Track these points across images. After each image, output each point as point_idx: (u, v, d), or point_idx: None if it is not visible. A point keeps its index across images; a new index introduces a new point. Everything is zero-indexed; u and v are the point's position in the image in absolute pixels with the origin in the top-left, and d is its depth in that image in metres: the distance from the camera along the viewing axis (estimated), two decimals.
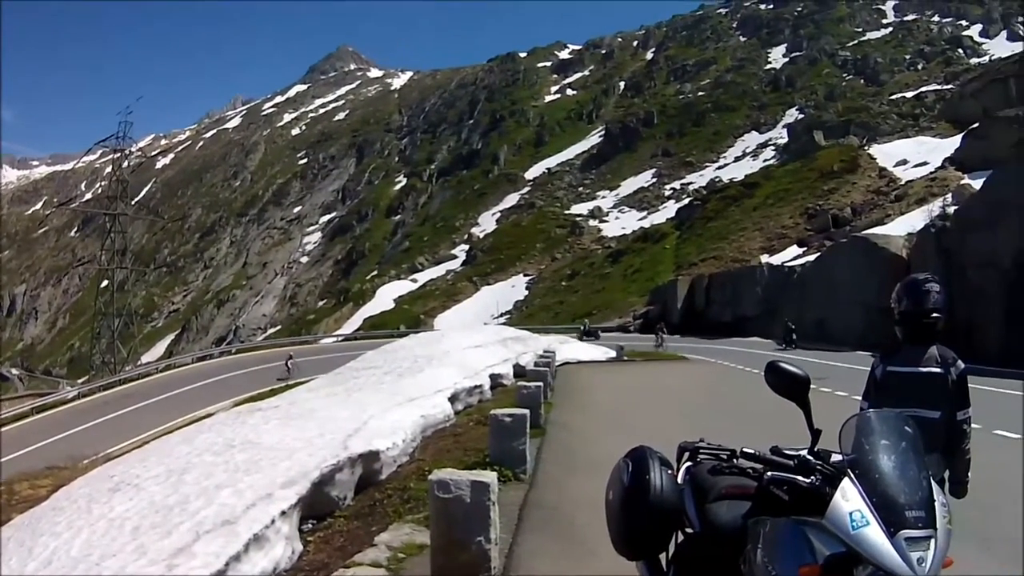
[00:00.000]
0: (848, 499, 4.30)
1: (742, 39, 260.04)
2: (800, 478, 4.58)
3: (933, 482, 4.48)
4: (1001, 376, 32.16)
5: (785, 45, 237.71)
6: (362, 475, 12.91)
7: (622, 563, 5.92)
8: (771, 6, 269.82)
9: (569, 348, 50.86)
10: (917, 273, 7.35)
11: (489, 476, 8.32)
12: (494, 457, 13.80)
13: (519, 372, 31.78)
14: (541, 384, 20.80)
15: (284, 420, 14.91)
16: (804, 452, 4.76)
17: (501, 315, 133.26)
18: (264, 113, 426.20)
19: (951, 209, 59.55)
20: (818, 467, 4.57)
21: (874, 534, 4.13)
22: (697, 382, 37.28)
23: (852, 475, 4.41)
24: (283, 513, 9.37)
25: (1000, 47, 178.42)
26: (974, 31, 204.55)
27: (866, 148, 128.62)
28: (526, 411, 14.30)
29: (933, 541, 4.17)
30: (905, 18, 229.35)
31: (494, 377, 28.27)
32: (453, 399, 21.69)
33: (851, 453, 4.60)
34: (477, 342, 34.75)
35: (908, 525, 4.16)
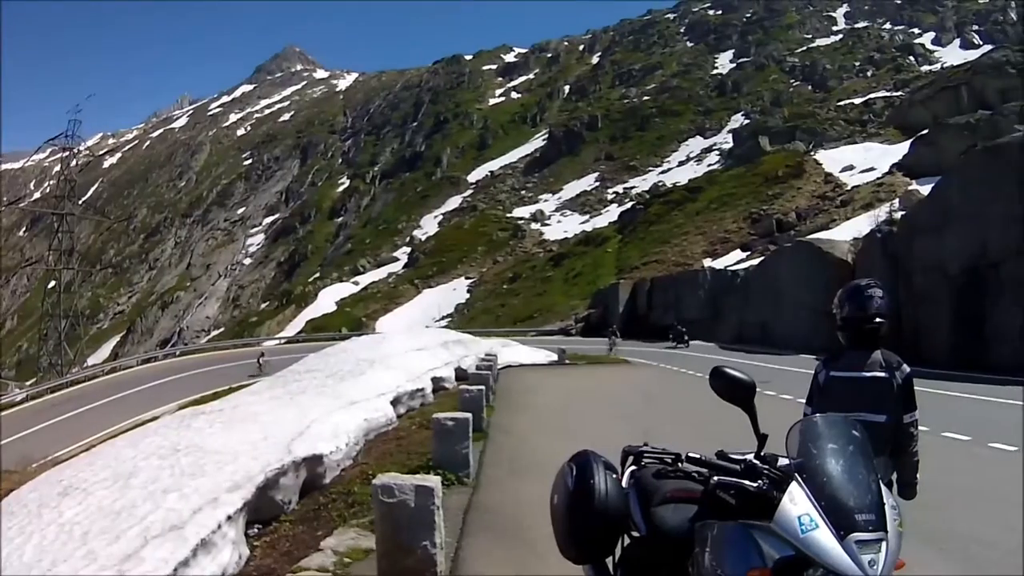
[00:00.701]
0: (796, 503, 4.34)
1: (689, 44, 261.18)
2: (747, 482, 4.62)
3: (882, 485, 4.56)
4: (950, 379, 32.41)
5: (733, 51, 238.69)
6: (306, 479, 12.83)
7: (568, 567, 5.95)
8: (720, 12, 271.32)
9: (511, 351, 50.24)
10: (860, 279, 7.42)
11: (433, 480, 8.46)
12: (437, 461, 13.93)
13: (461, 375, 31.67)
14: (483, 388, 21.13)
15: (228, 423, 14.23)
16: (750, 456, 4.79)
17: (443, 318, 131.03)
18: (210, 113, 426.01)
19: (898, 214, 60.17)
20: (765, 471, 4.63)
21: (824, 537, 4.18)
22: (639, 386, 36.83)
23: (800, 479, 4.45)
24: (229, 518, 9.21)
25: (953, 55, 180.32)
26: (926, 39, 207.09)
27: (812, 154, 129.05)
28: (468, 415, 14.44)
29: (884, 544, 4.24)
30: (856, 25, 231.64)
31: (436, 380, 28.04)
32: (395, 402, 21.52)
33: (798, 457, 4.66)
34: (419, 345, 34.41)
35: (858, 528, 4.22)
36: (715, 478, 4.79)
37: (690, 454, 5.11)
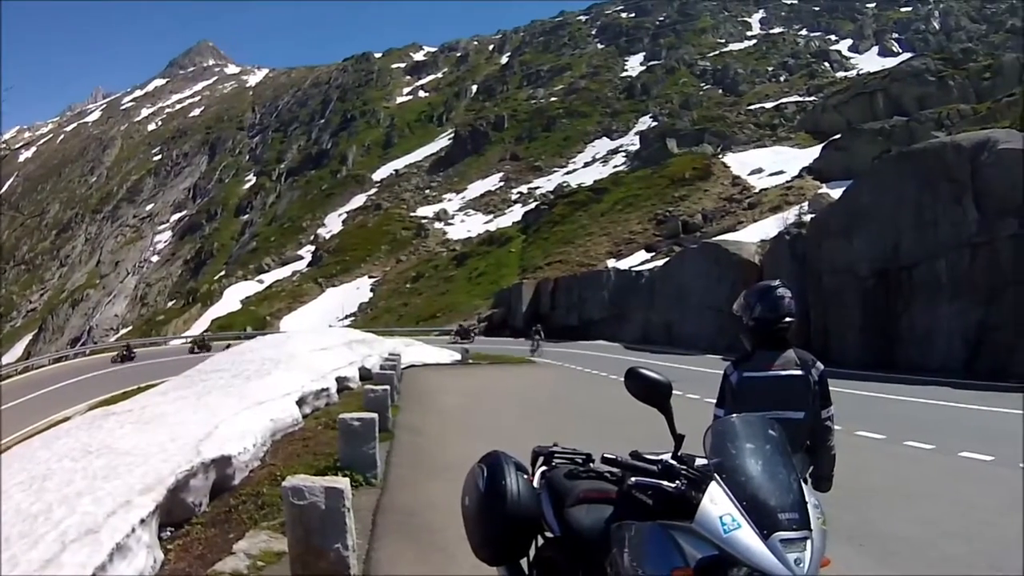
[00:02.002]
0: (717, 503, 4.32)
1: (600, 46, 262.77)
2: (665, 483, 4.62)
3: (804, 484, 4.57)
4: (860, 379, 32.68)
5: (643, 54, 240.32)
6: (216, 481, 12.56)
7: (483, 568, 6.01)
8: (632, 15, 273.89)
9: (414, 351, 49.84)
10: (768, 280, 7.47)
11: (342, 482, 8.33)
12: (345, 462, 13.78)
13: (365, 375, 31.23)
14: (388, 387, 20.86)
15: (137, 424, 14.45)
16: (667, 457, 4.80)
17: (346, 317, 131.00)
18: (123, 107, 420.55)
19: (807, 217, 61.20)
20: (683, 471, 4.61)
21: (747, 537, 4.14)
22: (543, 385, 37.03)
23: (719, 479, 4.44)
24: (143, 521, 9.01)
25: (870, 62, 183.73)
26: (843, 46, 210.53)
27: (720, 156, 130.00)
28: (374, 415, 14.26)
29: (809, 542, 4.25)
30: (771, 31, 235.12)
31: (340, 380, 27.85)
32: (301, 402, 21.20)
33: (716, 457, 4.62)
34: (323, 345, 34.47)
35: (782, 527, 4.21)
36: (632, 479, 4.76)
37: (605, 455, 5.04)
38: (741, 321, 7.19)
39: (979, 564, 9.56)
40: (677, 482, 4.56)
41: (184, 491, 11.10)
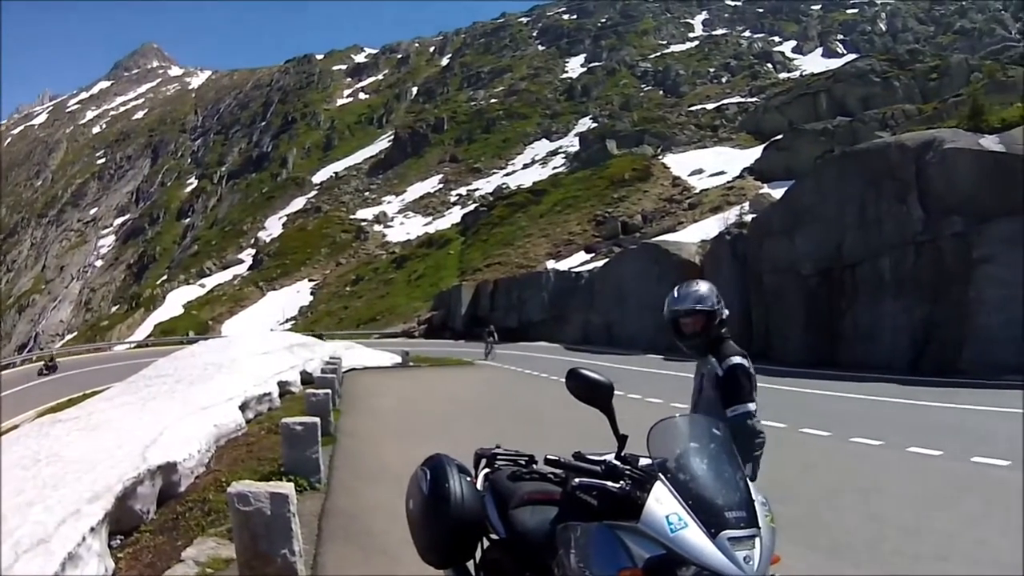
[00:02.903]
0: (662, 502, 4.35)
1: (541, 48, 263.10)
2: (609, 483, 4.66)
3: (750, 482, 4.66)
4: (805, 377, 33.02)
5: (584, 55, 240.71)
6: (162, 487, 12.58)
7: (429, 571, 6.05)
8: (574, 16, 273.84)
9: (354, 354, 50.15)
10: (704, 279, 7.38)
11: (287, 487, 8.34)
12: (288, 467, 13.83)
13: (306, 379, 31.75)
14: (329, 391, 21.13)
15: (84, 431, 14.18)
16: (611, 457, 4.87)
17: (287, 321, 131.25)
18: (69, 110, 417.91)
19: (748, 217, 61.19)
20: (627, 472, 4.68)
21: (694, 536, 4.20)
22: (483, 386, 37.43)
23: (664, 479, 4.48)
24: (92, 529, 8.91)
25: (814, 63, 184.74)
26: (787, 47, 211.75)
27: (660, 157, 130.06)
28: (316, 419, 14.38)
29: (758, 540, 4.31)
30: (714, 32, 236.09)
31: (282, 384, 28.13)
32: (244, 407, 21.33)
33: (661, 457, 4.67)
34: (264, 349, 34.71)
35: (729, 525, 4.24)
36: (575, 480, 4.79)
37: (548, 456, 5.13)
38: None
39: (927, 556, 9.69)
40: (621, 482, 4.61)
41: (132, 499, 11.10)
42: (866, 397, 26.72)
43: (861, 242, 38.81)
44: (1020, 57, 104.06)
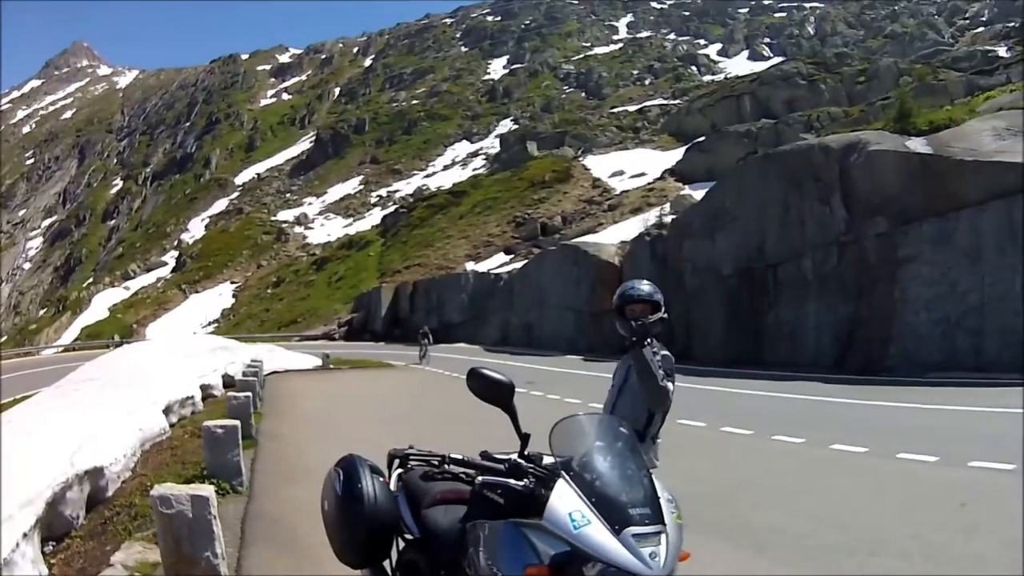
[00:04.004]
0: (565, 500, 4.37)
1: (464, 49, 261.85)
2: (512, 481, 4.77)
3: (656, 479, 4.73)
4: (726, 376, 33.40)
5: (507, 57, 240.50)
6: (90, 492, 12.35)
7: (349, 571, 6.03)
8: (499, 18, 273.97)
9: (276, 357, 49.68)
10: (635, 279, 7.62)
11: (207, 489, 8.15)
12: (211, 470, 13.63)
13: (228, 382, 31.33)
14: (250, 394, 20.91)
15: (12, 436, 12.86)
16: (515, 456, 4.96)
17: (209, 324, 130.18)
18: (0, 109, 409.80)
19: (668, 218, 61.07)
20: (530, 470, 4.77)
21: (597, 533, 4.20)
22: (403, 388, 37.94)
23: (567, 476, 4.51)
24: (25, 535, 8.79)
25: (739, 66, 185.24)
26: (712, 50, 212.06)
27: (581, 159, 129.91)
28: (237, 422, 14.30)
29: (664, 536, 4.30)
30: (638, 35, 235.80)
31: (205, 388, 27.86)
32: (167, 411, 21.08)
33: (563, 455, 4.70)
34: (187, 352, 34.09)
35: (634, 522, 4.26)
36: (479, 478, 4.92)
37: (451, 455, 5.35)
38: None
39: (859, 551, 9.64)
40: (525, 480, 4.69)
41: (62, 504, 10.98)
42: (789, 395, 26.82)
43: (783, 242, 39.05)
44: (952, 61, 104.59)
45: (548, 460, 4.81)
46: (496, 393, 5.10)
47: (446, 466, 5.49)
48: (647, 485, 4.51)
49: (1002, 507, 11.21)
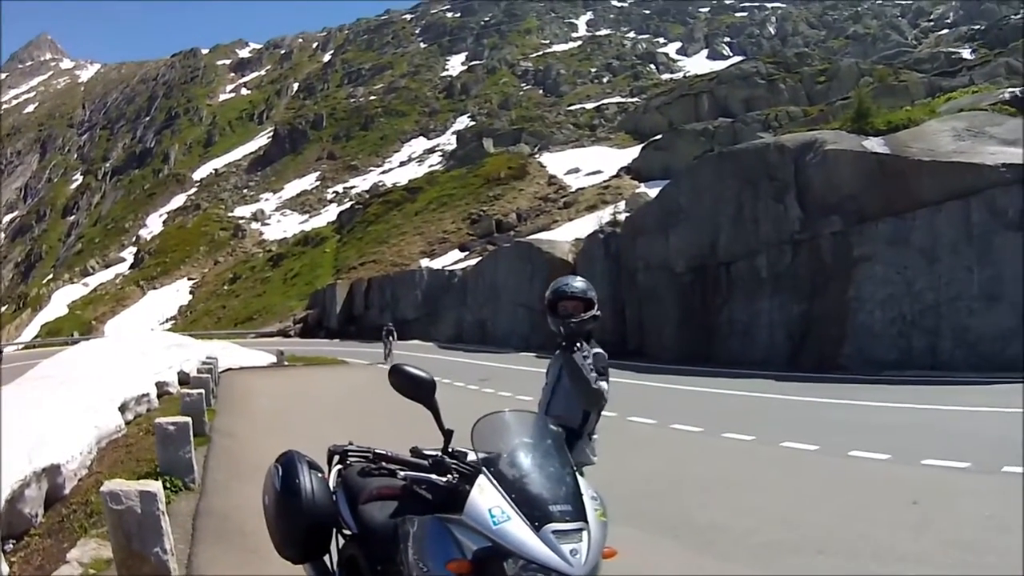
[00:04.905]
0: (485, 495, 4.47)
1: (423, 46, 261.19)
2: (436, 477, 4.90)
3: (581, 477, 4.81)
4: (678, 374, 33.41)
5: (466, 53, 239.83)
6: (48, 490, 12.48)
7: (296, 569, 6.16)
8: (458, 14, 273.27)
9: (231, 354, 49.21)
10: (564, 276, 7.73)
11: (155, 485, 8.28)
12: (163, 467, 13.65)
13: (183, 379, 31.46)
14: (203, 391, 21.10)
15: None
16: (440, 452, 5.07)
17: (167, 320, 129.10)
18: None
19: (623, 216, 61.00)
20: (454, 466, 4.89)
21: (517, 528, 4.28)
22: (356, 385, 37.32)
23: (488, 472, 4.60)
24: None
25: (699, 65, 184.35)
26: (671, 48, 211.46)
27: (537, 156, 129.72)
28: (188, 419, 14.33)
29: (585, 533, 4.35)
30: (597, 33, 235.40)
31: (160, 385, 27.87)
32: (123, 409, 20.95)
33: (485, 451, 4.80)
34: (143, 349, 34.49)
35: (554, 519, 4.33)
36: (401, 473, 5.08)
37: (376, 451, 5.63)
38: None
39: (806, 549, 9.68)
40: (449, 476, 4.80)
41: (20, 502, 11.13)
42: (741, 393, 26.76)
43: (737, 240, 39.25)
44: (914, 62, 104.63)
45: (473, 456, 4.84)
46: (418, 390, 5.18)
47: (383, 462, 5.59)
48: (570, 483, 4.58)
49: (953, 505, 11.37)
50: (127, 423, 20.24)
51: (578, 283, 7.22)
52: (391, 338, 53.94)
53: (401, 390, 5.28)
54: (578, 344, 7.06)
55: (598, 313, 7.18)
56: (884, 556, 9.26)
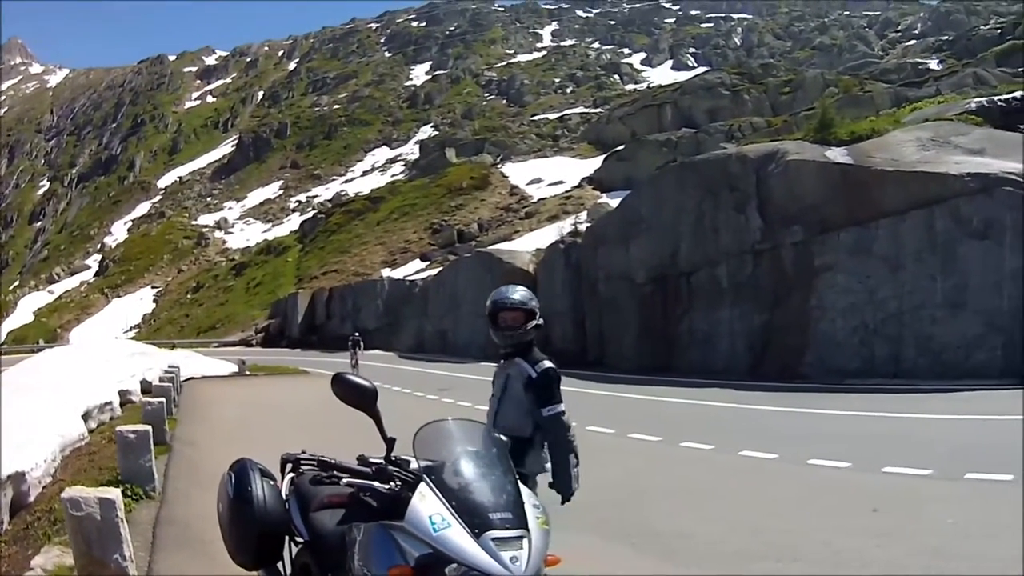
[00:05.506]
0: (426, 502, 4.50)
1: (388, 55, 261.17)
2: (379, 484, 4.95)
3: (524, 485, 4.83)
4: (638, 383, 33.53)
5: (430, 63, 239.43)
6: (13, 497, 12.64)
7: (249, 574, 6.18)
8: (423, 24, 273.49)
9: (193, 363, 49.93)
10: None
11: (114, 492, 8.26)
12: (124, 475, 13.53)
13: (146, 388, 30.80)
14: (164, 400, 21.26)
15: None
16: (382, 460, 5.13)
17: (131, 328, 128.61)
18: None
19: (584, 226, 61.19)
20: (396, 473, 4.92)
21: (457, 536, 4.31)
22: (317, 394, 34.37)
23: (429, 480, 4.63)
24: None
25: (663, 76, 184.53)
26: (636, 59, 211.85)
27: (499, 166, 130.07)
28: (148, 427, 14.27)
29: (526, 541, 4.39)
30: (562, 43, 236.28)
31: (123, 393, 27.51)
32: (87, 417, 20.90)
33: (427, 459, 4.86)
34: (106, 357, 34.45)
35: (494, 526, 4.36)
36: (345, 480, 5.10)
37: (321, 458, 5.42)
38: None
39: (767, 557, 9.63)
40: (391, 484, 4.84)
41: None
42: (701, 402, 26.74)
43: (697, 250, 39.25)
44: (880, 73, 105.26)
45: (416, 464, 4.88)
46: (360, 398, 5.21)
47: (333, 470, 5.42)
48: (511, 491, 4.59)
49: (915, 512, 11.39)
50: (90, 431, 20.14)
51: (517, 294, 7.22)
52: (358, 348, 51.93)
53: (344, 399, 5.30)
54: (516, 361, 7.22)
55: (540, 322, 7.23)
56: (847, 563, 9.22)
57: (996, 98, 39.12)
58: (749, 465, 15.56)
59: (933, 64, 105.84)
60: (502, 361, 7.48)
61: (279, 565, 6.06)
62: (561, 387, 7.16)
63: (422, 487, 4.57)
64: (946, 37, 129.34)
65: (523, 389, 7.14)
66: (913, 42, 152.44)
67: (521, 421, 7.08)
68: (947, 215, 28.87)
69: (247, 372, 50.42)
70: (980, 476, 12.93)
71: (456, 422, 5.17)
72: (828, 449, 15.90)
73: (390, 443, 5.08)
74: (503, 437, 5.32)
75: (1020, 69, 72.16)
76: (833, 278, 31.95)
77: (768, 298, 35.18)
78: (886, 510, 11.40)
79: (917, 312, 29.12)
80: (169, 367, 36.52)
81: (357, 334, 55.33)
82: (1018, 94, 39.02)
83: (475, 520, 4.33)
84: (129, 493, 11.74)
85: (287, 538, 5.91)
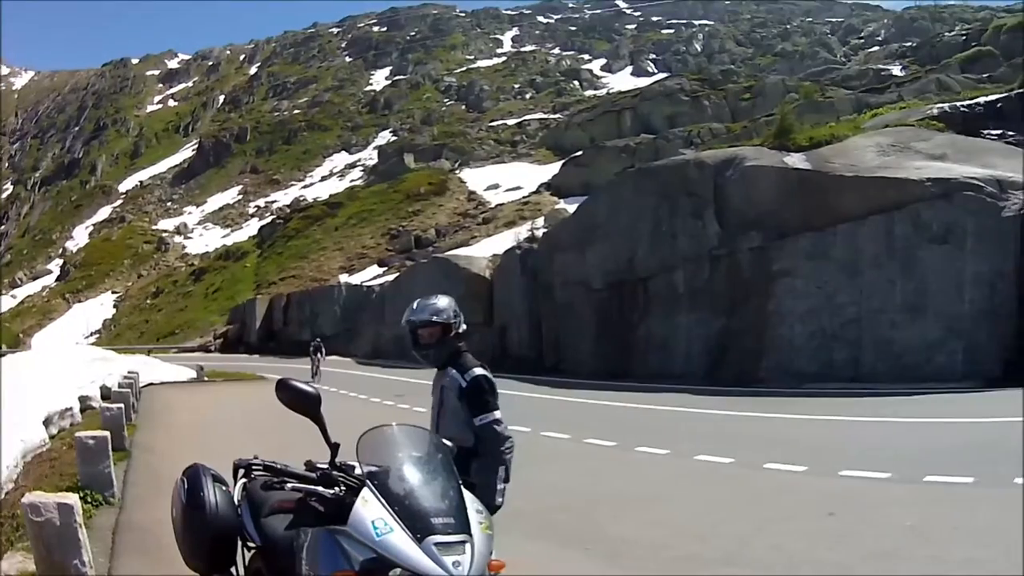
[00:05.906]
0: (369, 507, 4.57)
1: (348, 59, 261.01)
2: (322, 489, 4.99)
3: (467, 491, 4.92)
4: (595, 389, 33.46)
5: (390, 68, 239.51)
6: None
7: None
8: (384, 29, 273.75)
9: (152, 369, 49.48)
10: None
11: (72, 498, 8.33)
12: (84, 481, 13.46)
13: (105, 394, 30.64)
14: (123, 406, 21.22)
15: None
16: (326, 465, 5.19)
17: (92, 334, 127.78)
18: None
19: (541, 232, 62.14)
20: (340, 479, 5.01)
21: (399, 540, 4.41)
22: (273, 400, 34.89)
23: (372, 485, 4.71)
24: None
25: (623, 82, 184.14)
26: (596, 65, 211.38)
27: (457, 172, 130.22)
28: (107, 433, 14.33)
29: (468, 545, 4.49)
30: (522, 49, 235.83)
31: (83, 399, 27.44)
32: (47, 423, 20.85)
33: (370, 464, 4.90)
34: (66, 363, 34.76)
35: (436, 531, 4.46)
36: (289, 485, 5.15)
37: (265, 462, 5.77)
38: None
39: (716, 560, 9.64)
40: (335, 489, 4.91)
41: None
42: (657, 407, 26.69)
43: (654, 256, 39.33)
44: (842, 79, 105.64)
45: (361, 470, 4.91)
46: (304, 404, 5.34)
47: (282, 476, 5.58)
48: (454, 496, 4.70)
49: (870, 516, 11.25)
50: (51, 437, 20.16)
51: (427, 310, 7.07)
52: (320, 354, 49.87)
53: (289, 404, 5.43)
54: (448, 370, 7.09)
55: (462, 330, 7.15)
56: (798, 567, 9.23)
57: (959, 103, 39.29)
58: (704, 469, 15.45)
59: (896, 70, 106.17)
60: (437, 371, 7.34)
61: (232, 570, 6.02)
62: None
63: (365, 492, 4.63)
64: (910, 44, 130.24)
65: (457, 399, 7.01)
66: (876, 48, 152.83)
67: (462, 432, 6.86)
68: (907, 220, 29.12)
69: (205, 378, 50.56)
70: (939, 479, 12.90)
71: (400, 428, 5.22)
72: (784, 453, 15.82)
73: (334, 448, 5.15)
74: (448, 443, 5.41)
75: (985, 75, 72.51)
76: (791, 283, 31.98)
77: (725, 303, 35.16)
78: (842, 514, 11.32)
79: (876, 316, 29.29)
80: (128, 373, 36.76)
81: (319, 340, 53.60)
82: (982, 99, 39.10)
83: (417, 525, 4.41)
84: (89, 499, 11.80)
85: (240, 543, 5.92)
